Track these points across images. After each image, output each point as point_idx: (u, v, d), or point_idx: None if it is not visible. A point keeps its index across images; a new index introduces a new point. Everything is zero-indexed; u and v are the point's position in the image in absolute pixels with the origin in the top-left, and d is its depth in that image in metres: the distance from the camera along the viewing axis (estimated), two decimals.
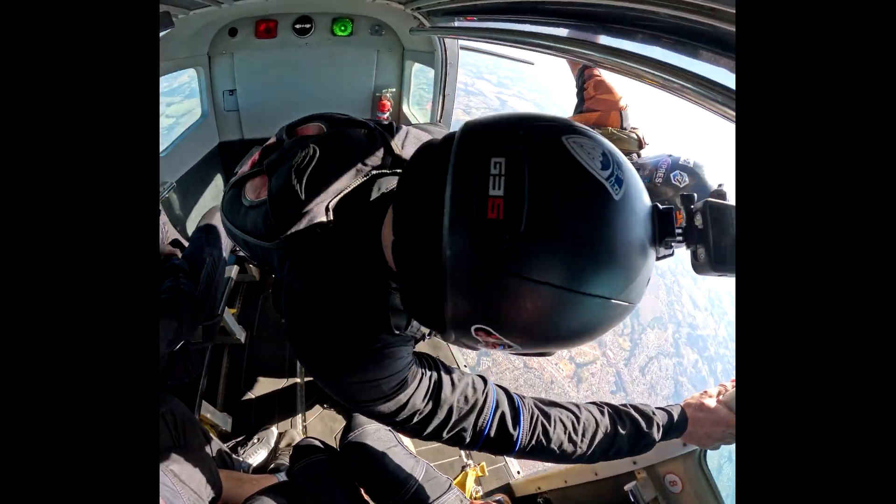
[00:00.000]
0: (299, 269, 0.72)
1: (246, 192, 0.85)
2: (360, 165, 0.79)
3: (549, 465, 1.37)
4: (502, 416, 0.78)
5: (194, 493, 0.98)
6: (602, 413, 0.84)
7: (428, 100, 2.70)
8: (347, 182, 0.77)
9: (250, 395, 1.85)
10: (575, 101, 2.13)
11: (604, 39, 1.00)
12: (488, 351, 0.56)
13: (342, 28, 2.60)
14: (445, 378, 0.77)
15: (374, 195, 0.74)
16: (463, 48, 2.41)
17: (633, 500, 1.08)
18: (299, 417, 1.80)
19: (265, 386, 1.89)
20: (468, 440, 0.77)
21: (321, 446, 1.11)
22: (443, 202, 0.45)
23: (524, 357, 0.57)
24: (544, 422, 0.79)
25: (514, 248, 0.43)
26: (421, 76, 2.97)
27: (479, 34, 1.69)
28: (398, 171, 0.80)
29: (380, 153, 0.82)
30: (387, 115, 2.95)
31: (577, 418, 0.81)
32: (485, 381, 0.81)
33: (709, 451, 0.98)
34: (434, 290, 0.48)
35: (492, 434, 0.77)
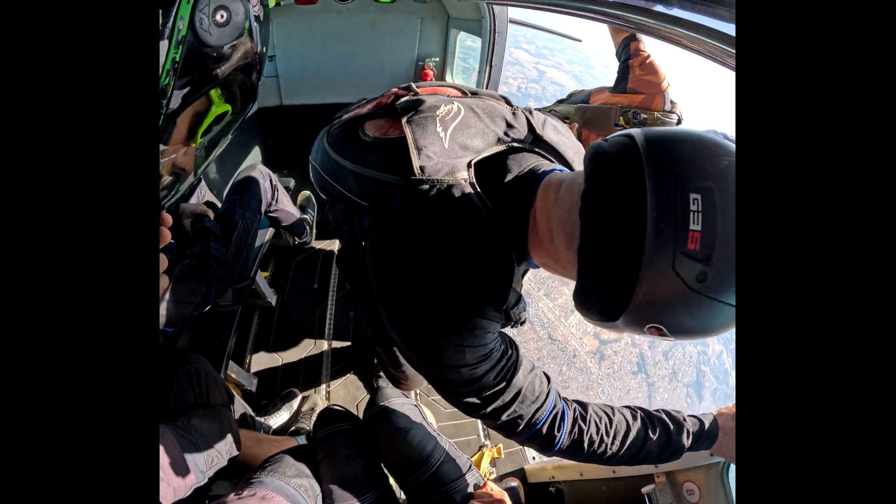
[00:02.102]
0: (426, 214, 0.71)
1: (366, 130, 0.86)
2: (502, 134, 0.80)
3: None
4: (556, 415, 0.79)
5: (213, 449, 1.02)
6: (634, 417, 0.83)
7: (472, 70, 2.60)
8: (487, 145, 0.78)
9: (277, 359, 1.92)
10: (615, 74, 2.04)
11: (661, 8, 0.91)
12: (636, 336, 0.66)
13: None
14: (521, 362, 0.78)
15: (515, 169, 0.75)
16: (511, 21, 2.29)
17: (647, 503, 1.07)
18: (323, 384, 1.86)
19: (292, 350, 1.95)
20: (520, 429, 0.78)
21: (345, 415, 1.13)
22: (640, 222, 0.53)
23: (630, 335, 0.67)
24: (581, 423, 0.80)
25: (704, 274, 0.52)
26: (464, 46, 2.86)
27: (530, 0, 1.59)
28: (536, 150, 0.82)
29: (523, 128, 0.83)
30: None
31: (610, 420, 0.81)
32: (548, 378, 0.81)
33: (732, 465, 0.95)
34: (620, 293, 0.56)
35: (543, 430, 0.78)
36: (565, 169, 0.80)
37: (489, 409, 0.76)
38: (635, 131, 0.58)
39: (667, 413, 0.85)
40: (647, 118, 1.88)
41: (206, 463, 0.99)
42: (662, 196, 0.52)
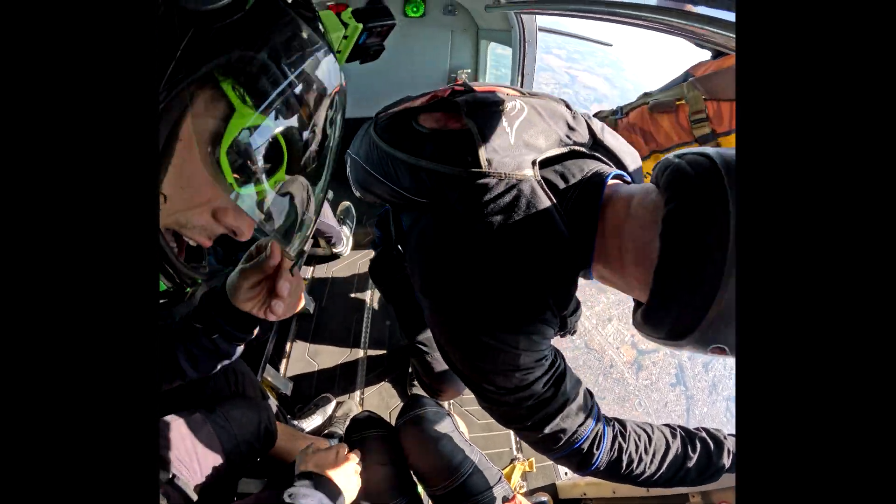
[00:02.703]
0: (493, 209, 0.68)
1: (421, 121, 0.84)
2: (564, 136, 0.79)
3: None
4: (597, 433, 0.76)
5: (247, 437, 1.06)
6: (674, 435, 0.79)
7: (504, 79, 2.62)
8: (550, 145, 0.76)
9: (313, 364, 1.98)
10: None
11: (700, 9, 0.89)
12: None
13: (414, 9, 2.58)
14: (568, 373, 0.75)
15: (577, 173, 0.73)
16: (540, 30, 2.29)
17: None
18: (358, 391, 1.90)
19: (328, 357, 2.01)
20: (560, 444, 0.75)
21: (378, 422, 1.16)
22: (723, 248, 0.52)
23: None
24: (621, 441, 0.77)
25: None
26: (496, 58, 2.88)
27: (558, 7, 1.59)
28: (596, 154, 0.80)
29: (584, 132, 0.82)
30: None
31: (650, 438, 0.78)
32: (591, 394, 0.79)
33: None
34: (693, 314, 0.55)
35: (584, 447, 0.75)
36: (626, 174, 0.78)
37: (532, 420, 0.73)
38: (712, 152, 0.57)
39: (707, 432, 0.81)
40: None
41: (239, 452, 1.03)
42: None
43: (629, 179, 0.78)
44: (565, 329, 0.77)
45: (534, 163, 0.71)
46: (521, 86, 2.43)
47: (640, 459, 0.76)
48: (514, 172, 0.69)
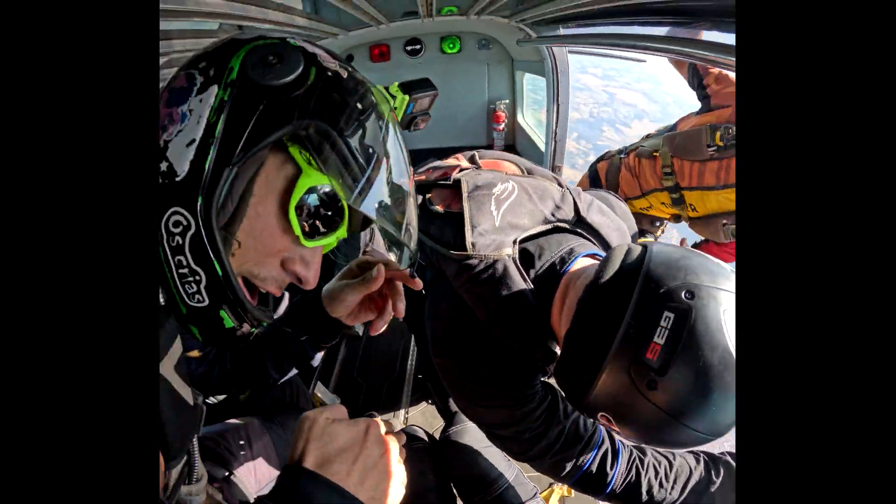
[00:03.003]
0: (473, 285, 0.80)
1: (433, 200, 0.96)
2: (549, 215, 0.89)
3: None
4: (605, 453, 0.81)
5: None
6: (697, 460, 0.81)
7: (542, 105, 2.69)
8: (534, 224, 0.87)
9: (360, 383, 2.07)
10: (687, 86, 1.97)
11: (713, 35, 0.93)
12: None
13: (451, 45, 2.75)
14: (561, 404, 0.83)
15: (554, 248, 0.83)
16: (571, 52, 2.36)
17: None
18: (402, 409, 1.96)
19: (375, 377, 2.08)
20: (567, 471, 0.81)
21: (423, 436, 1.22)
22: (616, 324, 0.61)
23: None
24: (639, 466, 0.80)
25: (654, 383, 0.58)
26: (533, 83, 2.97)
27: (586, 41, 1.66)
28: (578, 230, 0.90)
29: (569, 210, 0.91)
30: (502, 126, 3.02)
31: (671, 464, 0.80)
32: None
33: None
34: (585, 380, 0.64)
35: (592, 470, 0.80)
36: (601, 253, 0.86)
37: (535, 449, 0.80)
38: (655, 246, 0.67)
39: (733, 456, 0.81)
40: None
41: None
42: (640, 307, 0.60)
43: (601, 256, 0.83)
44: (546, 373, 0.85)
45: (515, 241, 0.82)
46: (557, 113, 2.50)
47: (661, 485, 0.78)
48: (492, 253, 0.80)
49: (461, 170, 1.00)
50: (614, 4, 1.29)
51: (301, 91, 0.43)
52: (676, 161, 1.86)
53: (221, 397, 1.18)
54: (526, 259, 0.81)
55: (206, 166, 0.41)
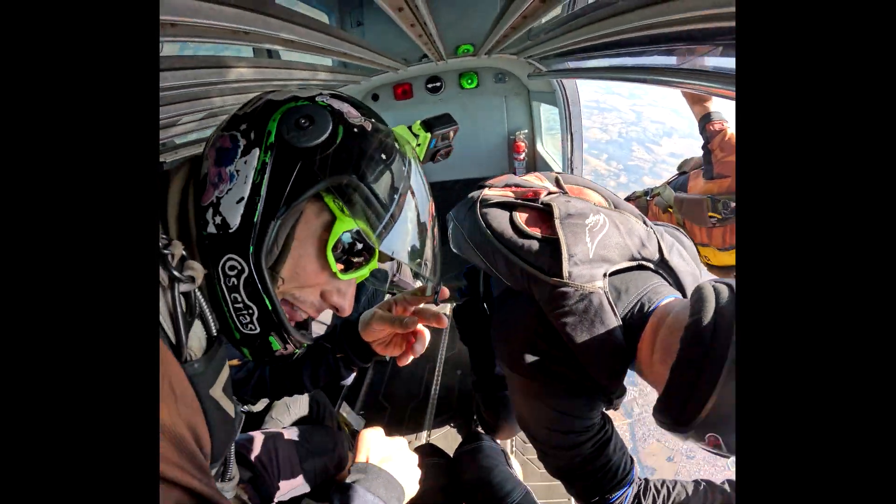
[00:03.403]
0: (567, 313, 0.85)
1: (520, 218, 0.99)
2: (635, 252, 0.93)
3: None
4: (625, 495, 0.89)
5: (323, 460, 1.19)
6: (697, 488, 0.87)
7: (556, 131, 2.76)
8: (622, 259, 0.91)
9: (385, 405, 2.13)
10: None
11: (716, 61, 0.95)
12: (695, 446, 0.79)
13: (469, 81, 2.90)
14: (616, 439, 0.90)
15: (641, 286, 0.88)
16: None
17: None
18: (425, 431, 2.01)
19: (400, 399, 2.13)
20: (594, 500, 0.89)
21: (439, 452, 1.28)
22: (723, 357, 0.65)
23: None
24: (641, 499, 0.88)
25: None
26: (551, 112, 3.05)
27: (594, 74, 1.73)
28: (660, 271, 0.95)
29: (654, 250, 0.95)
30: (522, 155, 3.10)
31: (669, 493, 0.88)
32: (632, 460, 0.92)
33: None
34: (695, 405, 0.67)
35: None
36: (679, 295, 0.90)
37: (580, 472, 0.87)
38: (734, 283, 0.71)
39: (731, 484, 0.86)
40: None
41: (314, 470, 1.16)
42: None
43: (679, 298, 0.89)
44: (611, 405, 0.92)
45: (605, 274, 0.87)
46: (572, 143, 2.58)
47: None
48: (586, 284, 0.85)
49: (549, 192, 1.04)
50: (615, 38, 1.35)
51: (331, 151, 0.51)
52: (687, 222, 2.03)
53: (259, 408, 1.29)
54: (612, 293, 0.86)
55: (255, 220, 0.49)
